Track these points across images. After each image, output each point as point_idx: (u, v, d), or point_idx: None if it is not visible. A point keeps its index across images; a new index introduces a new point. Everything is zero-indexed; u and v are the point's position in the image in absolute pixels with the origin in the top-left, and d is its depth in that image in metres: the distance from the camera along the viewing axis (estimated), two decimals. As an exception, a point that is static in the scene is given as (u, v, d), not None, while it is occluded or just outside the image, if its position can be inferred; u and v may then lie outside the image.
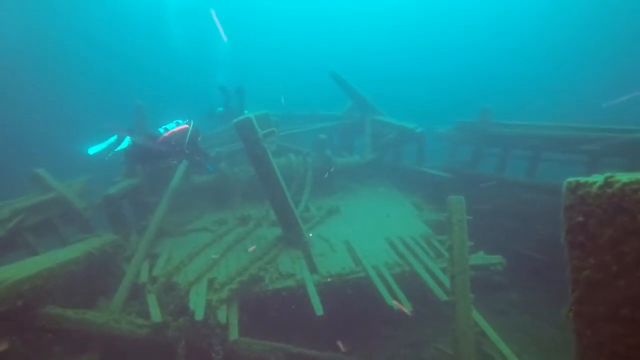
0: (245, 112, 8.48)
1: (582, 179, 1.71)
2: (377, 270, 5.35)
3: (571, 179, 1.77)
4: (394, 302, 4.63)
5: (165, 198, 6.77)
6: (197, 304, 4.39)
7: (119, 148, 6.31)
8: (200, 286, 4.82)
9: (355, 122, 10.10)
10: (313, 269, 5.42)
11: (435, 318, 6.83)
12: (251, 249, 5.81)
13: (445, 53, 35.58)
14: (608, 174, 1.59)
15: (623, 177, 1.55)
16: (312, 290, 4.87)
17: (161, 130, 6.76)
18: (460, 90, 28.34)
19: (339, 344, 5.14)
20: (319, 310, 4.47)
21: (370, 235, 6.42)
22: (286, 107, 12.06)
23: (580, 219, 1.72)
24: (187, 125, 6.91)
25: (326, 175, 7.95)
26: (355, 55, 33.92)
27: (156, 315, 4.23)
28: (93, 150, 5.90)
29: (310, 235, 6.16)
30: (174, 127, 6.84)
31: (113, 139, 6.13)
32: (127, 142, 6.40)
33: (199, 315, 4.20)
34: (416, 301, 4.93)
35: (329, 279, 5.21)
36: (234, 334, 4.25)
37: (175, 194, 7.08)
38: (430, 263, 5.52)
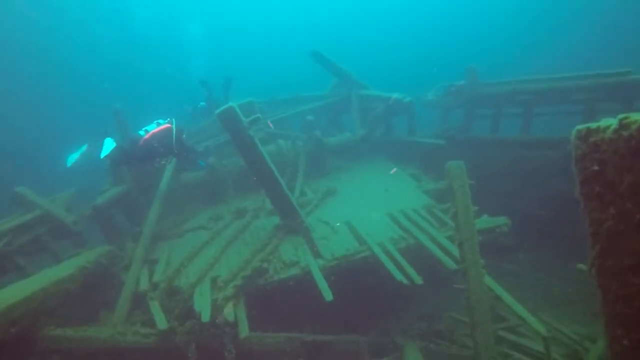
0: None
1: (593, 125, 1.59)
2: (383, 246, 5.27)
3: (580, 127, 1.64)
4: (403, 277, 4.57)
5: (156, 201, 6.62)
6: (203, 305, 4.30)
7: (103, 154, 6.16)
8: (203, 286, 4.73)
9: (341, 100, 9.91)
10: (317, 254, 5.34)
11: (445, 287, 6.86)
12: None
13: (424, 17, 34.98)
14: (622, 116, 1.48)
15: (640, 117, 1.42)
16: (318, 275, 4.79)
17: (142, 132, 6.59)
18: (444, 53, 27.99)
19: None
20: (328, 295, 4.40)
21: (371, 212, 6.33)
22: (268, 93, 11.81)
23: (596, 167, 1.60)
24: (168, 125, 6.72)
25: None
26: (335, 30, 33.28)
27: (161, 322, 4.14)
28: (70, 161, 5.73)
29: (338, 224, 5.95)
30: (154, 127, 6.67)
31: (84, 147, 5.98)
32: (109, 147, 6.23)
33: (206, 317, 4.11)
34: (424, 272, 4.89)
35: (335, 262, 5.13)
36: (244, 330, 4.18)
37: (165, 195, 6.92)
38: (435, 233, 5.46)
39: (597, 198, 1.64)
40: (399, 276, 4.58)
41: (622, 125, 1.46)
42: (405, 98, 8.09)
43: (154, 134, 6.54)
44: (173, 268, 5.15)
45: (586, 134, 1.63)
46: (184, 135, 7.02)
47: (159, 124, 6.73)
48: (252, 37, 34.37)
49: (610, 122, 1.54)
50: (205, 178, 7.74)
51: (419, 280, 4.55)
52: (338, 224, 5.96)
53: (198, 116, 10.59)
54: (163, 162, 6.83)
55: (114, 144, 6.27)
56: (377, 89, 9.44)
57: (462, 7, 33.95)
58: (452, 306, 6.54)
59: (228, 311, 4.31)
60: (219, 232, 6.21)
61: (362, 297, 5.94)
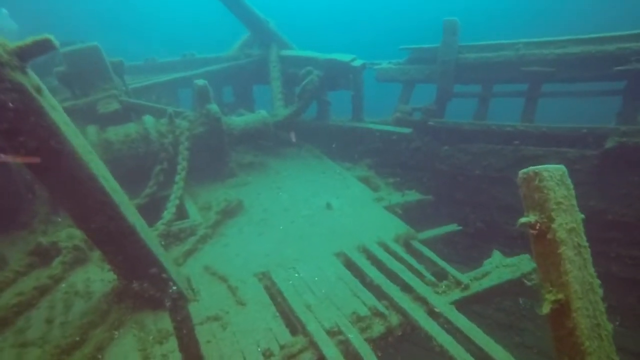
0: None
1: None
2: (339, 339, 2.63)
3: None
4: None
5: None
6: None
7: None
8: None
9: (254, 62, 6.99)
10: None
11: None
12: None
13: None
14: None
15: None
16: None
17: None
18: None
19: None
20: None
21: (307, 250, 3.64)
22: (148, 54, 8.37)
23: None
24: None
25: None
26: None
27: None
28: None
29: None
30: None
31: None
32: None
33: None
34: None
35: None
36: None
37: None
38: (434, 299, 2.96)
39: None
40: None
41: None
42: (356, 61, 5.53)
43: None
44: None
45: None
46: None
47: None
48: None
49: None
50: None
51: None
52: (224, 282, 3.21)
53: None
54: None
55: None
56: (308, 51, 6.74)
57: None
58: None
59: None
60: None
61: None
